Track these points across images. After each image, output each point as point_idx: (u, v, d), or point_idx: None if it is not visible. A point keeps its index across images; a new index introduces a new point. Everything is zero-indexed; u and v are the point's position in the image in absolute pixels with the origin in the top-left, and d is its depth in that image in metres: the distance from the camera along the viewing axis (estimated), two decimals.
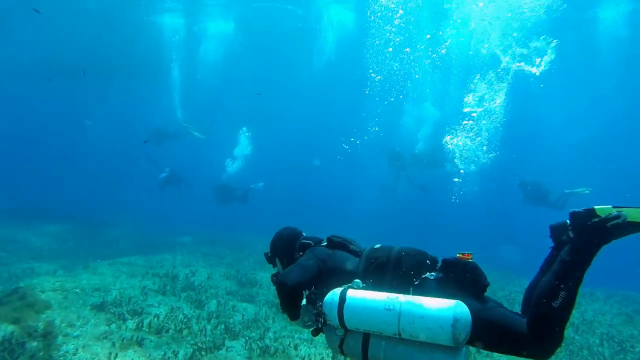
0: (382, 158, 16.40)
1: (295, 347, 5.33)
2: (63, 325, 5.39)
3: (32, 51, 18.47)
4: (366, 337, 2.00)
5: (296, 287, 2.19)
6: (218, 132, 22.72)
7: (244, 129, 19.92)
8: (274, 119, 28.89)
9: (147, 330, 5.53)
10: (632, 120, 24.14)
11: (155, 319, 5.86)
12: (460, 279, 2.01)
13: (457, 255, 2.08)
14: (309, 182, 37.54)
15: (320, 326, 2.19)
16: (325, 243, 2.48)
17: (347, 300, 2.00)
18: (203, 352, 4.96)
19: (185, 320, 5.91)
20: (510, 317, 1.89)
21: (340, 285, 2.14)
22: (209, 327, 5.76)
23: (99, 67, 19.52)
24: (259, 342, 5.34)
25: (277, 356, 5.05)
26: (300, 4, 15.95)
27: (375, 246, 2.33)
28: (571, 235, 1.92)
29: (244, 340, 5.42)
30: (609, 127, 25.29)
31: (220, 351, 5.06)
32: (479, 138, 11.28)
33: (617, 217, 1.77)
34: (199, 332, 5.58)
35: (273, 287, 2.37)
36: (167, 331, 5.55)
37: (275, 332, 5.77)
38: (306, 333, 5.85)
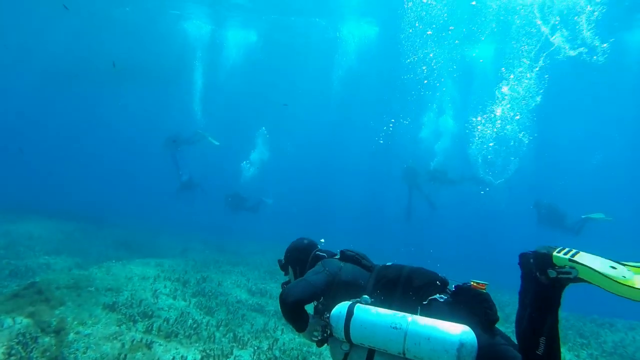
0: (397, 172, 16.37)
1: None
2: (75, 322, 5.43)
3: (61, 55, 19.07)
4: (371, 353, 2.00)
5: (297, 304, 2.19)
6: (235, 136, 23.03)
7: (263, 129, 20.15)
8: (293, 126, 29.15)
9: (156, 333, 5.53)
10: None
11: (165, 322, 5.87)
12: (470, 307, 1.99)
13: (472, 283, 2.06)
14: (323, 190, 37.54)
15: (325, 337, 2.20)
16: (338, 256, 2.50)
17: (354, 315, 2.01)
18: (212, 359, 4.92)
19: (194, 326, 5.90)
20: (514, 358, 1.85)
21: (348, 299, 2.15)
22: (217, 334, 5.73)
23: (123, 71, 20.04)
24: (267, 353, 5.28)
25: None
26: (322, 15, 16.14)
27: (387, 264, 2.36)
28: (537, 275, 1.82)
29: (252, 350, 5.37)
30: (632, 150, 24.66)
31: (228, 359, 5.01)
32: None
33: (569, 273, 1.73)
34: (207, 339, 5.55)
35: None
36: (176, 336, 5.55)
37: (284, 344, 5.70)
38: (315, 347, 5.76)
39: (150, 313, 6.08)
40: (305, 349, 5.66)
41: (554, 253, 1.76)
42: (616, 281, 1.62)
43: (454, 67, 16.95)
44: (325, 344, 2.23)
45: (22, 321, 5.30)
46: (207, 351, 5.11)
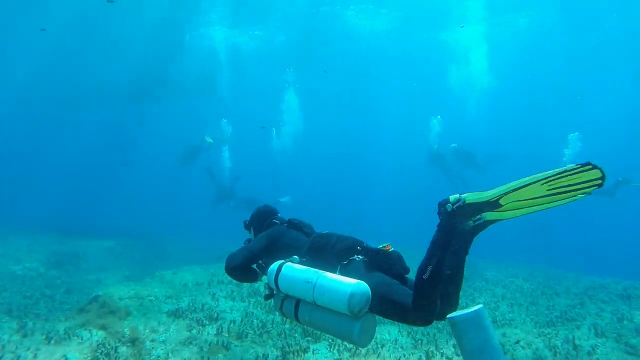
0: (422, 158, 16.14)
1: (383, 346, 5.14)
2: (146, 331, 5.44)
3: (83, 71, 19.30)
4: (297, 302, 2.47)
5: (236, 269, 2.73)
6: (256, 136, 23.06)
7: (273, 130, 20.05)
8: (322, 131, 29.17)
9: (227, 335, 5.50)
10: None
11: (232, 324, 5.83)
12: (379, 264, 2.46)
13: (380, 246, 2.54)
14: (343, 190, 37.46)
15: (271, 292, 2.66)
16: (286, 224, 3.01)
17: (282, 271, 2.49)
18: (291, 355, 4.85)
19: (261, 325, 5.84)
20: (402, 292, 2.26)
21: (285, 258, 2.63)
22: (287, 331, 5.65)
23: (147, 84, 20.25)
24: (343, 344, 5.17)
25: (368, 357, 4.87)
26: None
27: (322, 232, 2.83)
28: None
29: (326, 342, 5.27)
30: None
31: (307, 354, 4.93)
32: None
33: (459, 200, 2.17)
34: (277, 336, 5.48)
35: None
36: (247, 336, 5.49)
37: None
38: (389, 332, 5.63)
39: (216, 316, 6.05)
40: (380, 336, 5.54)
41: (450, 197, 2.23)
42: (490, 191, 2.14)
43: None
44: (271, 298, 2.68)
45: (97, 333, 5.33)
46: (285, 347, 5.03)
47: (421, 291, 2.14)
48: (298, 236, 2.86)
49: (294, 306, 2.48)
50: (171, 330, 5.50)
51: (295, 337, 5.40)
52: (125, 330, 5.37)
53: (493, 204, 2.12)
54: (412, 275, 2.43)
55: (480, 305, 2.15)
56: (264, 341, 5.32)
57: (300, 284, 2.37)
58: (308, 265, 2.51)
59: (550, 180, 1.99)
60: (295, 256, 2.64)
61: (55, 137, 32.45)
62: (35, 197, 30.51)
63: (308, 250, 2.69)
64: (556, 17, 15.64)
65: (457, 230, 2.19)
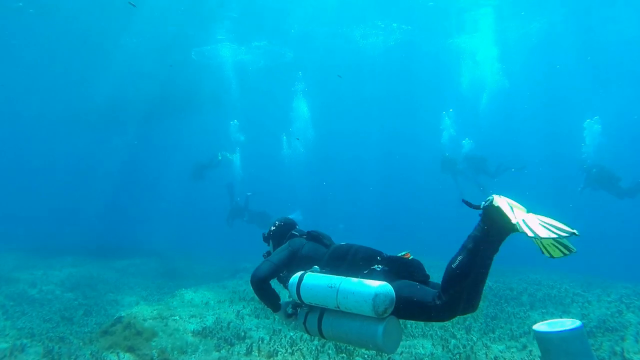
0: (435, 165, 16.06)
1: None
2: (175, 352, 5.30)
3: (104, 91, 19.47)
4: (321, 314, 2.48)
5: (262, 281, 2.66)
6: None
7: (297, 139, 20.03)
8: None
9: (257, 354, 5.35)
10: None
11: (261, 342, 5.68)
12: (399, 272, 2.49)
13: (399, 254, 2.59)
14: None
15: (296, 311, 2.68)
16: (305, 236, 3.04)
17: (304, 280, 2.52)
18: None
19: (291, 342, 5.69)
20: (424, 291, 2.32)
21: (306, 269, 2.65)
22: (318, 347, 5.48)
23: (158, 102, 20.42)
24: (379, 358, 5.01)
25: None
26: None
27: (341, 243, 2.86)
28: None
29: (361, 358, 5.10)
30: None
31: None
32: None
33: (488, 200, 2.22)
34: (310, 354, 5.32)
35: None
36: (277, 354, 5.34)
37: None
38: (423, 346, 5.46)
39: (243, 334, 5.91)
40: (414, 350, 5.36)
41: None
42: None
43: None
44: (294, 318, 2.70)
45: (125, 356, 5.20)
46: None
47: (448, 280, 2.20)
48: (317, 248, 2.90)
49: (318, 319, 2.51)
50: (200, 350, 5.36)
51: (329, 354, 5.24)
52: (154, 352, 5.24)
53: (511, 222, 2.16)
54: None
55: (578, 323, 2.01)
56: (296, 359, 5.16)
57: (323, 290, 2.41)
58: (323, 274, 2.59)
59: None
60: (316, 266, 2.68)
61: (66, 158, 32.65)
62: (48, 220, 30.56)
63: (328, 260, 2.73)
64: (568, 18, 15.65)
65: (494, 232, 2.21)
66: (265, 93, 20.69)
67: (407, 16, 15.48)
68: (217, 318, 6.53)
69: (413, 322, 6.77)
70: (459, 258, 2.20)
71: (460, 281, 2.17)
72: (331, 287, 2.36)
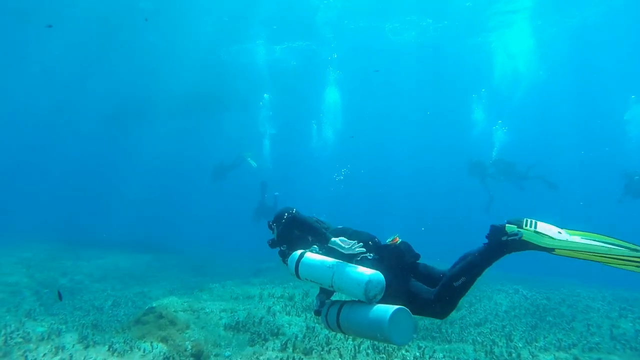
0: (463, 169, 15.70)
1: None
2: (209, 345, 5.19)
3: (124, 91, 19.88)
4: (340, 308, 2.60)
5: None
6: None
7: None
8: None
9: (292, 350, 5.19)
10: None
11: (295, 339, 5.52)
12: (388, 259, 2.67)
13: (387, 240, 2.74)
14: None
15: (320, 309, 2.81)
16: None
17: (303, 258, 2.71)
18: None
19: (326, 340, 5.50)
20: (419, 287, 2.59)
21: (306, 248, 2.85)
22: (355, 347, 5.28)
23: (187, 101, 20.68)
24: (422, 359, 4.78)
25: None
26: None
27: (339, 226, 3.07)
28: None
29: (400, 359, 4.87)
30: None
31: None
32: None
33: (515, 234, 2.33)
34: (347, 353, 5.13)
35: None
36: (312, 352, 5.17)
37: (434, 351, 5.17)
38: (464, 350, 5.19)
39: (276, 330, 5.76)
40: (456, 356, 5.09)
41: (506, 225, 2.41)
42: (551, 237, 2.25)
43: None
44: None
45: (158, 346, 5.12)
46: None
47: (447, 296, 2.44)
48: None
49: (337, 311, 2.62)
50: (233, 344, 5.24)
51: (367, 353, 5.03)
52: (187, 343, 5.15)
53: (547, 250, 2.28)
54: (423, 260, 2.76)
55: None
56: (333, 358, 4.97)
57: (321, 269, 2.59)
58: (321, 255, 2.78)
59: (612, 257, 2.14)
60: (315, 246, 2.85)
61: (93, 153, 33.44)
62: (71, 211, 31.33)
63: (316, 241, 2.89)
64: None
65: (501, 255, 2.42)
66: (296, 91, 20.58)
67: (441, 12, 15.21)
68: (248, 313, 6.41)
69: (449, 327, 6.50)
70: (463, 279, 2.40)
71: (458, 298, 2.45)
72: (329, 267, 2.57)
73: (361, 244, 2.73)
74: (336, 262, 2.59)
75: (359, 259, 2.67)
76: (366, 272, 2.45)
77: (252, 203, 16.01)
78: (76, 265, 11.33)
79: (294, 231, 3.05)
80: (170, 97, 19.94)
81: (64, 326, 6.21)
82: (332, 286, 2.55)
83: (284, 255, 3.03)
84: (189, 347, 5.12)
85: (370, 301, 2.43)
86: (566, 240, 2.23)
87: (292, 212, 3.23)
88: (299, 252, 2.79)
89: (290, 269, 2.78)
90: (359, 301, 2.54)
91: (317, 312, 2.84)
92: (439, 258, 4.02)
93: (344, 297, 2.63)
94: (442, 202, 34.83)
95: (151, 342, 5.10)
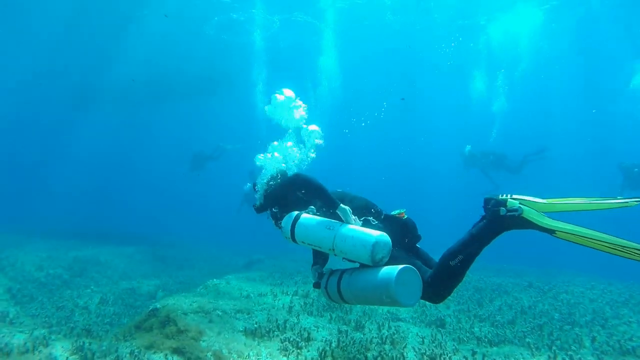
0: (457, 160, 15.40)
1: None
2: (234, 356, 4.40)
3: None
4: (340, 277, 2.50)
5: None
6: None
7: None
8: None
9: (330, 358, 4.48)
10: None
11: (329, 345, 4.81)
12: (393, 231, 2.49)
13: (394, 212, 2.61)
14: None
15: (319, 282, 2.69)
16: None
17: (299, 220, 2.53)
18: None
19: (364, 346, 4.83)
20: (418, 266, 2.40)
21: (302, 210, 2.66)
22: (396, 352, 4.64)
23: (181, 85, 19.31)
24: None
25: None
26: None
27: (337, 189, 2.80)
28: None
29: None
30: None
31: None
32: None
33: (516, 210, 2.19)
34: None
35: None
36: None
37: (484, 356, 4.60)
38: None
39: (307, 335, 5.02)
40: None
41: (508, 199, 2.26)
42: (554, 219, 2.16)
43: None
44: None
45: (174, 358, 4.29)
46: None
47: (444, 276, 2.27)
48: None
49: (337, 280, 2.45)
50: (263, 355, 4.47)
51: None
52: (209, 355, 4.33)
53: (548, 231, 2.12)
54: (421, 244, 2.62)
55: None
56: None
57: (320, 230, 2.38)
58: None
59: (618, 248, 1.96)
60: (312, 207, 2.63)
61: (69, 140, 31.23)
62: (49, 201, 29.21)
63: (323, 204, 2.66)
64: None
65: (501, 231, 2.24)
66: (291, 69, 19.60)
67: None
68: (268, 315, 5.63)
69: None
70: (460, 257, 2.23)
71: (455, 279, 2.27)
72: (330, 228, 2.34)
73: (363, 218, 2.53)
74: (337, 222, 2.40)
75: (361, 220, 2.51)
76: (372, 233, 2.30)
77: (235, 196, 15.22)
78: (52, 258, 10.11)
79: (296, 192, 2.75)
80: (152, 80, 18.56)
81: (48, 331, 5.22)
82: (333, 249, 2.36)
83: (277, 218, 2.81)
84: (211, 359, 4.31)
85: (376, 264, 2.27)
86: (571, 224, 2.06)
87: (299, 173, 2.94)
88: (294, 213, 2.58)
89: (285, 231, 2.56)
90: (361, 266, 2.37)
91: (317, 285, 2.68)
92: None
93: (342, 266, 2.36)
94: (437, 195, 34.85)
95: (166, 355, 4.25)
